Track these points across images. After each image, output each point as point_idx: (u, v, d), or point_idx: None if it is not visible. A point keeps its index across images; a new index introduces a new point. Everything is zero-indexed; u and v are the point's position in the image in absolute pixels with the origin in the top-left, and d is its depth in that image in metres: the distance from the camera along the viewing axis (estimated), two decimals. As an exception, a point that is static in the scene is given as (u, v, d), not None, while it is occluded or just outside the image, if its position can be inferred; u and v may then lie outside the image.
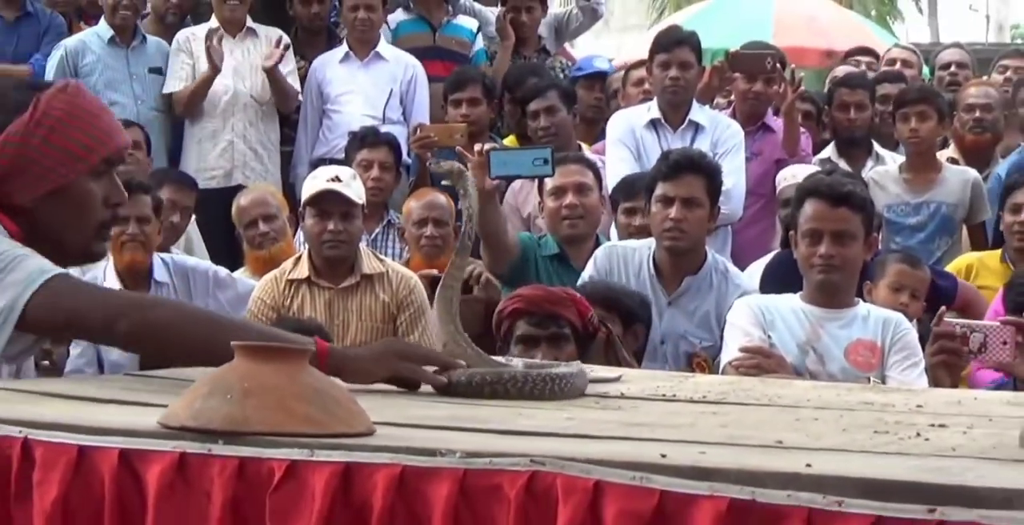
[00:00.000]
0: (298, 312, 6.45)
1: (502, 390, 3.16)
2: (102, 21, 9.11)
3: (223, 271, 7.01)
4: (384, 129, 8.36)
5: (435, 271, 6.98)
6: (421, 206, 7.29)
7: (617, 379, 3.57)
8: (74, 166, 3.30)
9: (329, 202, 6.57)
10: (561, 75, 9.55)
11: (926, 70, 10.66)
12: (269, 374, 2.58)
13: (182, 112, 8.80)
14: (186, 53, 8.84)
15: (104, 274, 6.73)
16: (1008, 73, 9.63)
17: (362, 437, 2.51)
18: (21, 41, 9.43)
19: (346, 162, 7.83)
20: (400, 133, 8.60)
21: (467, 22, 9.89)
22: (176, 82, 8.84)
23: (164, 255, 6.96)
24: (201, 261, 7.21)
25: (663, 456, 2.31)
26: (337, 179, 6.69)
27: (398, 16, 9.69)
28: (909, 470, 2.24)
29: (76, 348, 6.59)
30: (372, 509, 2.36)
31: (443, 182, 6.23)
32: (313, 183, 6.75)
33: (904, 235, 7.68)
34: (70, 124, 3.30)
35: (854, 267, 5.49)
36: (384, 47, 9.13)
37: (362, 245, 6.88)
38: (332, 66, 9.13)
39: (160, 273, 6.82)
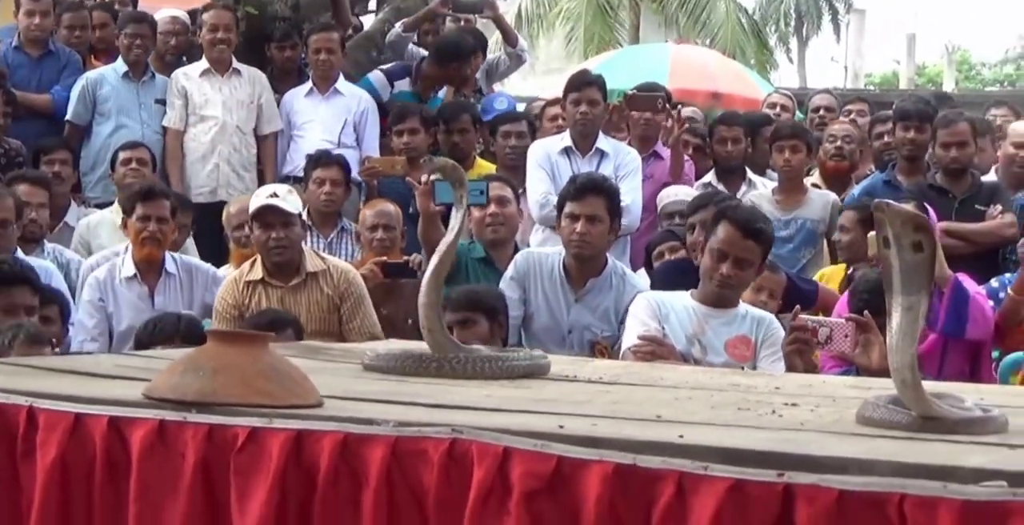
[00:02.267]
0: (255, 309, 6.44)
1: (449, 368, 3.17)
2: (119, 59, 9.09)
3: (219, 273, 7.03)
4: (339, 152, 8.36)
5: (384, 258, 7.06)
6: (373, 214, 7.29)
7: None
8: None
9: (270, 215, 6.55)
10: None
11: (800, 113, 10.74)
12: (235, 355, 2.60)
13: (171, 146, 8.78)
14: (178, 93, 8.81)
15: (123, 263, 6.79)
16: (852, 116, 9.70)
17: (312, 408, 2.53)
18: (44, 75, 9.37)
19: (304, 179, 7.83)
20: (353, 155, 8.60)
21: (443, 94, 9.92)
22: (171, 117, 8.82)
23: (174, 253, 6.99)
24: (203, 262, 7.22)
25: (561, 427, 2.34)
26: (275, 195, 6.67)
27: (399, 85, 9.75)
28: (764, 441, 2.28)
29: (92, 319, 6.62)
30: (319, 469, 2.37)
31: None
32: (255, 200, 6.72)
33: (776, 245, 7.69)
34: None
35: (745, 286, 5.54)
36: (342, 84, 9.14)
37: (305, 247, 6.83)
38: (299, 99, 9.12)
39: (171, 266, 6.86)
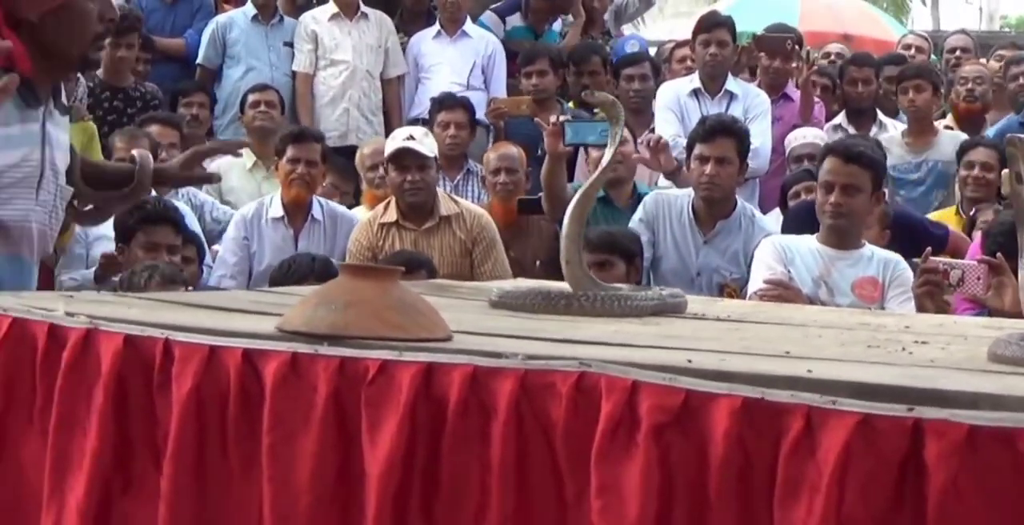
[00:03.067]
0: (389, 251, 6.50)
1: (579, 305, 3.17)
2: (248, 2, 9.18)
3: (358, 218, 7.09)
4: (467, 94, 8.39)
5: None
6: (497, 157, 7.32)
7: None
8: None
9: (406, 157, 6.62)
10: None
11: (934, 56, 10.61)
12: (366, 289, 2.63)
13: (301, 90, 8.85)
14: (307, 36, 8.87)
15: (271, 202, 6.89)
16: (1002, 61, 9.56)
17: (441, 342, 2.55)
18: (177, 19, 9.49)
19: (429, 122, 7.87)
20: (481, 98, 8.66)
21: (557, 27, 9.93)
22: (300, 61, 8.90)
23: (321, 198, 7.07)
24: (347, 210, 7.29)
25: (689, 361, 2.34)
26: (411, 138, 6.75)
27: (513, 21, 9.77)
28: (893, 376, 2.26)
29: (234, 256, 6.72)
30: (449, 401, 2.39)
31: (563, 118, 6.31)
32: (392, 143, 6.80)
33: (908, 189, 7.69)
34: None
35: (860, 215, 5.51)
36: (470, 26, 9.17)
37: (440, 190, 6.91)
38: (427, 41, 9.17)
39: (317, 211, 6.97)
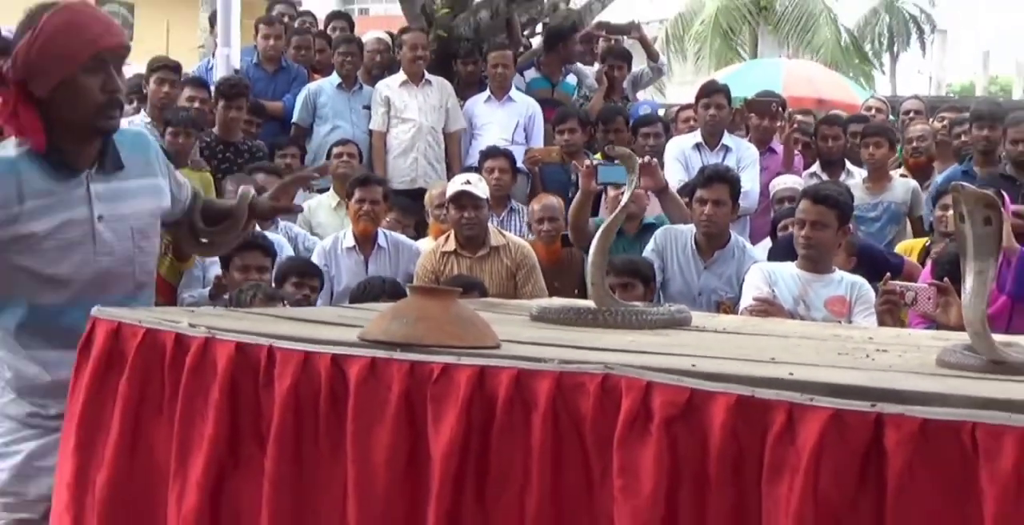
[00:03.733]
0: (448, 275, 6.54)
1: (603, 319, 3.17)
2: (334, 73, 9.24)
3: (420, 247, 7.12)
4: (512, 148, 8.43)
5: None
6: (540, 208, 7.29)
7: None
8: (62, 67, 3.13)
9: (464, 198, 6.65)
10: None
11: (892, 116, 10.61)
12: (431, 306, 2.64)
13: (376, 145, 8.89)
14: (381, 101, 8.91)
15: (344, 235, 6.96)
16: (945, 121, 9.54)
17: (492, 349, 2.56)
18: (278, 86, 9.54)
19: (479, 169, 7.89)
20: (523, 151, 8.69)
21: (571, 79, 9.98)
22: (375, 121, 8.93)
23: (386, 230, 7.11)
24: (408, 238, 7.31)
25: (693, 365, 2.35)
26: (468, 182, 6.78)
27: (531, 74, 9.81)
28: (859, 378, 2.26)
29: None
30: (498, 398, 2.40)
31: (596, 161, 6.32)
32: (452, 186, 6.84)
33: (867, 224, 7.67)
34: (60, 33, 3.13)
35: (827, 246, 5.52)
36: (514, 92, 9.20)
37: (490, 225, 6.93)
38: (479, 104, 9.19)
39: (382, 241, 6.99)
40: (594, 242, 3.36)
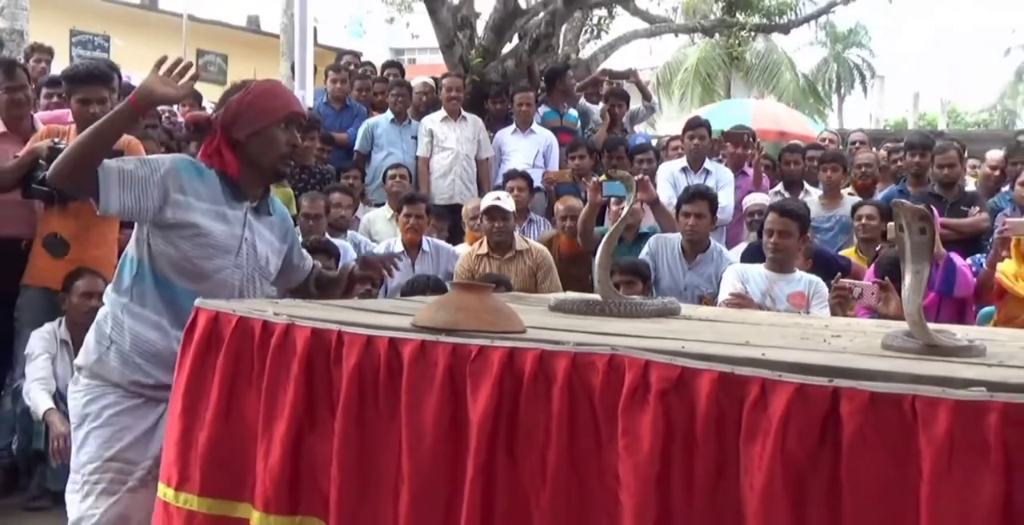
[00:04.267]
0: (481, 273, 6.54)
1: (608, 310, 3.17)
2: (388, 111, 9.24)
3: (457, 250, 7.10)
4: (533, 171, 8.42)
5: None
6: (564, 208, 7.22)
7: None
8: (263, 120, 3.31)
9: (495, 211, 6.63)
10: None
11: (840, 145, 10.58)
12: (469, 299, 2.64)
13: (421, 169, 8.86)
14: (426, 133, 8.87)
15: (395, 242, 6.96)
16: (885, 150, 9.48)
17: (519, 333, 2.55)
18: (343, 121, 9.54)
19: (502, 187, 7.85)
20: (540, 173, 8.67)
21: (573, 112, 9.95)
22: (421, 149, 8.90)
23: (429, 237, 7.09)
24: (446, 243, 7.28)
25: (682, 347, 2.34)
26: (498, 198, 6.77)
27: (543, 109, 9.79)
28: (819, 358, 2.25)
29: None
30: (524, 373, 2.39)
31: (602, 179, 6.28)
32: (485, 201, 6.82)
33: (822, 233, 7.61)
34: (266, 94, 3.35)
35: (791, 251, 5.49)
36: (536, 126, 9.17)
37: (516, 233, 6.91)
38: (507, 135, 9.15)
39: (426, 246, 6.97)
40: (600, 247, 3.36)
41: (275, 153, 3.35)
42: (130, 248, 3.38)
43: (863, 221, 6.88)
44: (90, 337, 3.40)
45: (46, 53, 9.15)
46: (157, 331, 3.28)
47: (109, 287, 3.43)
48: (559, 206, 7.42)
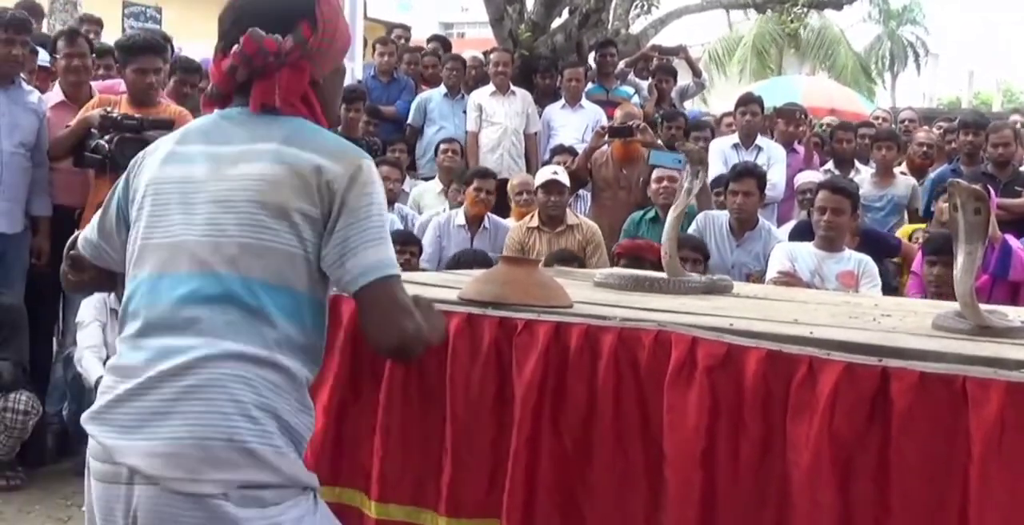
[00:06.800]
0: (531, 247, 6.54)
1: (656, 286, 3.13)
2: (441, 84, 9.24)
3: (510, 226, 7.08)
4: (579, 146, 8.37)
5: None
6: (623, 114, 7.56)
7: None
8: (347, 47, 2.30)
9: (552, 185, 6.62)
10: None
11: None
12: (516, 272, 2.64)
13: (470, 142, 8.83)
14: (475, 107, 8.83)
15: (457, 214, 6.95)
16: (940, 129, 9.36)
17: (566, 308, 2.55)
18: (390, 95, 9.54)
19: (551, 161, 7.82)
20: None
21: (627, 88, 9.92)
22: (470, 123, 8.88)
23: (491, 214, 7.07)
24: (504, 221, 7.24)
25: (731, 324, 2.33)
26: (555, 173, 6.76)
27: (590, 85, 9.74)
28: (868, 337, 2.24)
29: (431, 248, 6.75)
30: (570, 348, 2.39)
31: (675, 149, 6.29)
32: (542, 175, 6.81)
33: (873, 213, 7.53)
34: (337, 12, 2.20)
35: (843, 229, 5.44)
36: (584, 101, 9.13)
37: (568, 208, 6.90)
38: (555, 111, 9.11)
39: (487, 223, 6.97)
40: (668, 224, 3.26)
41: (339, 99, 2.44)
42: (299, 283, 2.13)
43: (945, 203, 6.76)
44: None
45: (96, 24, 9.20)
46: None
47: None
48: (617, 112, 7.53)
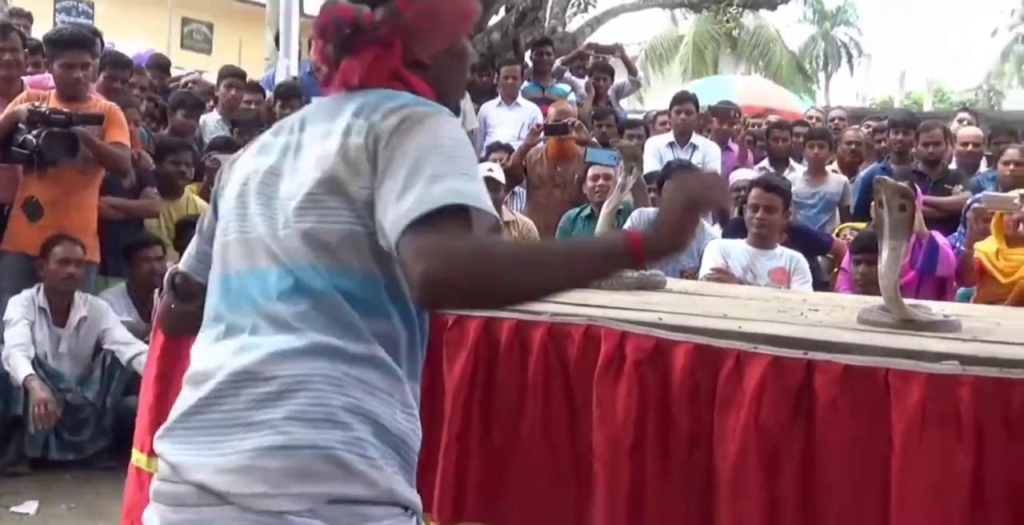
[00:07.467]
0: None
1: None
2: None
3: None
4: (517, 143, 8.37)
5: None
6: (556, 113, 7.60)
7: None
8: (463, 26, 1.92)
9: (487, 181, 6.55)
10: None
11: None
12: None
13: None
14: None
15: None
16: (870, 128, 9.47)
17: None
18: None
19: (487, 159, 7.81)
20: (521, 145, 8.68)
21: (563, 86, 9.95)
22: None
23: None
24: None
25: (660, 318, 2.34)
26: (491, 170, 6.76)
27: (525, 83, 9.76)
28: (794, 331, 2.26)
29: None
30: (500, 343, 2.41)
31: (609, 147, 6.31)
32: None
33: (805, 210, 7.62)
34: (453, 3, 1.90)
35: (775, 226, 5.47)
36: (520, 99, 9.13)
37: (504, 205, 6.91)
38: (492, 108, 9.11)
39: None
40: (601, 218, 3.32)
41: (465, 77, 2.04)
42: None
43: (1011, 167, 6.81)
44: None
45: (25, 18, 9.05)
46: None
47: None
48: (551, 110, 7.62)
